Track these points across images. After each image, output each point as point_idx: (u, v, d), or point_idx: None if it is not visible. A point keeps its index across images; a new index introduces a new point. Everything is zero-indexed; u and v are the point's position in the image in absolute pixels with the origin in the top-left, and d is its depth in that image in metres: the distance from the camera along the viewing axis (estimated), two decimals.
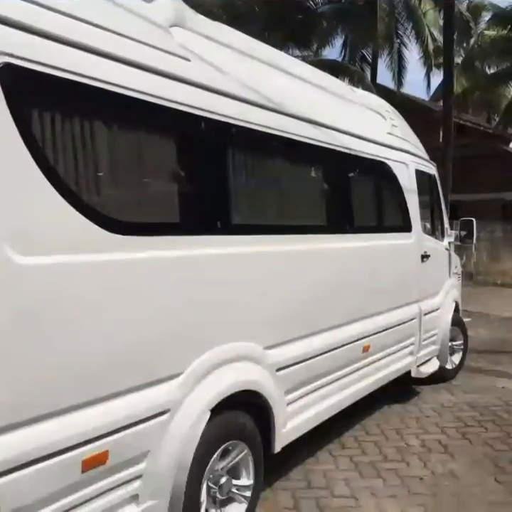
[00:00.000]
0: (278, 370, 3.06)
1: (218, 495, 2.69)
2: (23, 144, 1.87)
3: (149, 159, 2.47)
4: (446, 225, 5.94)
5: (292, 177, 3.47)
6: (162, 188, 2.58)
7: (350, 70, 19.01)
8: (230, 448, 2.77)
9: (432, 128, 15.83)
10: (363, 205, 4.34)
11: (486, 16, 23.13)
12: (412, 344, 4.85)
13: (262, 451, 2.96)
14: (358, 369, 3.99)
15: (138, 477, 2.28)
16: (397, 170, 4.66)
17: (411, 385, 5.30)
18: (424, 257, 5.03)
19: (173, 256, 2.42)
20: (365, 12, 18.16)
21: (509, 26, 19.85)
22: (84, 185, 2.15)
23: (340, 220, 3.87)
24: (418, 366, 5.03)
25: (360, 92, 5.25)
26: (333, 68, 15.76)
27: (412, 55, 21.56)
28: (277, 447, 3.08)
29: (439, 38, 19.77)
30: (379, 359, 4.28)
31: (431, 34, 19.92)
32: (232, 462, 2.80)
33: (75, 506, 2.04)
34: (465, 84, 22.69)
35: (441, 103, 17.73)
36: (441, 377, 5.51)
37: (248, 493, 2.86)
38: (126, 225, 2.24)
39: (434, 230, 5.63)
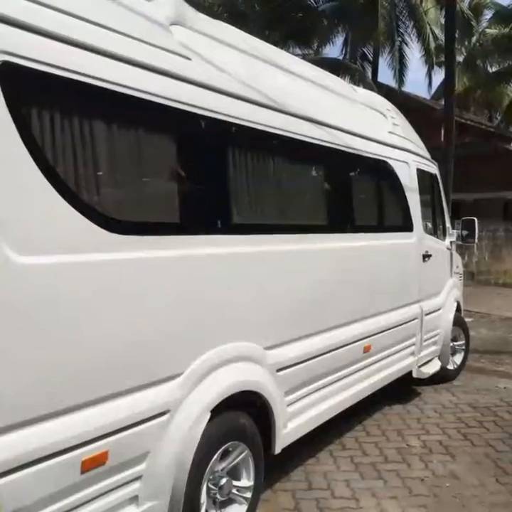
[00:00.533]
0: (278, 370, 3.04)
1: (218, 496, 2.68)
2: (22, 143, 1.86)
3: (148, 158, 2.45)
4: (448, 224, 5.92)
5: (293, 176, 3.45)
6: (162, 188, 2.56)
7: (351, 69, 18.99)
8: (230, 449, 2.76)
9: (434, 127, 15.80)
10: (364, 204, 4.33)
11: (488, 14, 23.12)
12: (413, 344, 4.83)
13: (262, 452, 2.95)
14: (359, 369, 3.98)
15: (138, 478, 2.27)
16: (399, 169, 4.64)
17: (412, 386, 5.28)
18: (426, 256, 5.01)
19: (173, 256, 2.41)
20: (365, 10, 18.11)
21: (511, 24, 19.82)
22: (84, 185, 2.13)
23: (341, 220, 3.86)
24: (419, 366, 5.01)
25: (361, 91, 5.22)
26: (333, 66, 15.72)
27: (414, 53, 21.59)
28: (278, 448, 3.06)
29: (441, 36, 19.70)
30: (380, 359, 4.27)
31: (432, 32, 19.87)
32: (233, 463, 2.79)
33: (75, 507, 2.03)
34: (466, 82, 22.65)
35: (442, 102, 17.69)
36: (442, 377, 5.49)
37: (248, 495, 2.85)
38: (125, 225, 2.23)
39: (436, 230, 5.60)
